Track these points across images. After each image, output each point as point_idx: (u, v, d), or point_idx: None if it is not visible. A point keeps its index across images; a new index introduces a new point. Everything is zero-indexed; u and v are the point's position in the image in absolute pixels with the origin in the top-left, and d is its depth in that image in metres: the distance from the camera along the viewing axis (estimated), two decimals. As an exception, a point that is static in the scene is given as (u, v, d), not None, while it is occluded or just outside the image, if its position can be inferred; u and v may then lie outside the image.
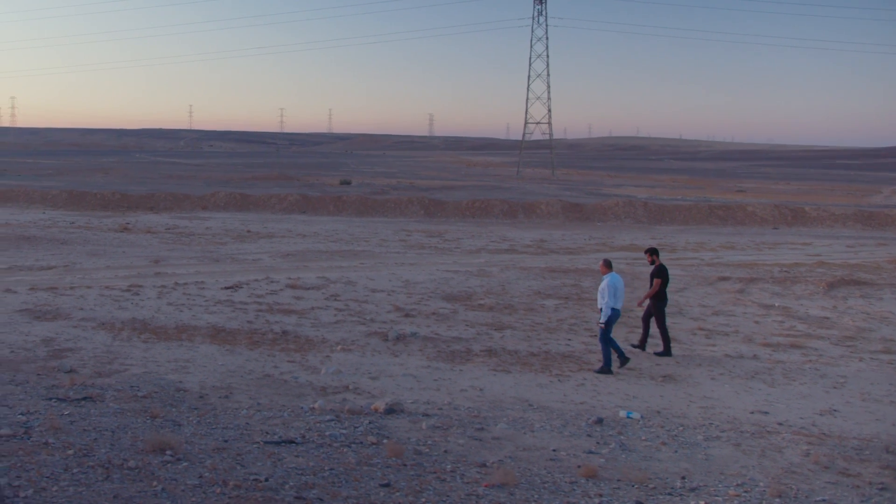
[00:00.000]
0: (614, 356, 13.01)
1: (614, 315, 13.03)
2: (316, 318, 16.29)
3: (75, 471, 6.20)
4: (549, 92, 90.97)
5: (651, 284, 14.21)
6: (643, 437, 9.48)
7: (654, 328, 14.33)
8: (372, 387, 11.72)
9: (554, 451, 8.84)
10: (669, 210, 39.51)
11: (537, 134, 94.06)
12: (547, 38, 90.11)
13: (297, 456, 7.78)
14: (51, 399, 9.76)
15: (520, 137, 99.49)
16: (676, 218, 38.61)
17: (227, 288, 19.19)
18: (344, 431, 9.00)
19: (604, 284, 13.10)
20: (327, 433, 8.85)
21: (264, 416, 9.60)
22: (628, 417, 10.45)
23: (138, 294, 18.11)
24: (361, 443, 8.61)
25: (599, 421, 10.07)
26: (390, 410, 10.13)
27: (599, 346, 13.14)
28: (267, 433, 8.75)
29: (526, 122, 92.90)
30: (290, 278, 20.69)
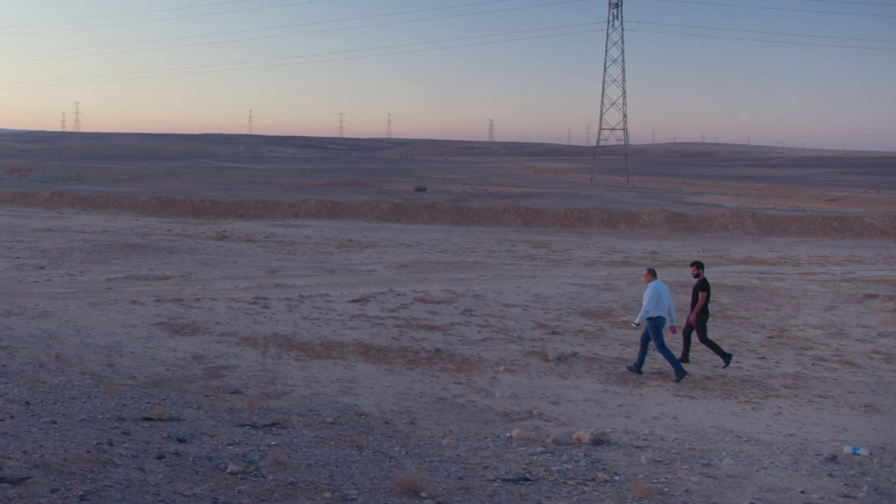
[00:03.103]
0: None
1: (659, 323, 13.01)
2: (461, 334, 15.66)
3: (358, 521, 5.58)
4: (624, 97, 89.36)
5: (694, 297, 14.00)
6: (893, 480, 8.56)
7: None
8: (556, 412, 11.03)
9: (802, 492, 7.99)
10: (780, 221, 37.82)
11: (612, 140, 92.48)
12: (623, 43, 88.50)
13: (548, 497, 7.10)
14: (243, 426, 9.27)
15: (582, 143, 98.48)
16: (789, 229, 36.96)
17: (354, 301, 18.71)
18: (568, 466, 8.30)
19: (646, 292, 13.17)
20: (553, 468, 8.16)
21: (471, 447, 8.96)
22: (854, 454, 9.54)
23: (267, 307, 17.73)
24: (594, 480, 7.91)
25: (833, 458, 9.18)
26: (598, 441, 9.41)
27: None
28: (489, 467, 8.10)
29: (600, 128, 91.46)
30: (415, 291, 20.12)
